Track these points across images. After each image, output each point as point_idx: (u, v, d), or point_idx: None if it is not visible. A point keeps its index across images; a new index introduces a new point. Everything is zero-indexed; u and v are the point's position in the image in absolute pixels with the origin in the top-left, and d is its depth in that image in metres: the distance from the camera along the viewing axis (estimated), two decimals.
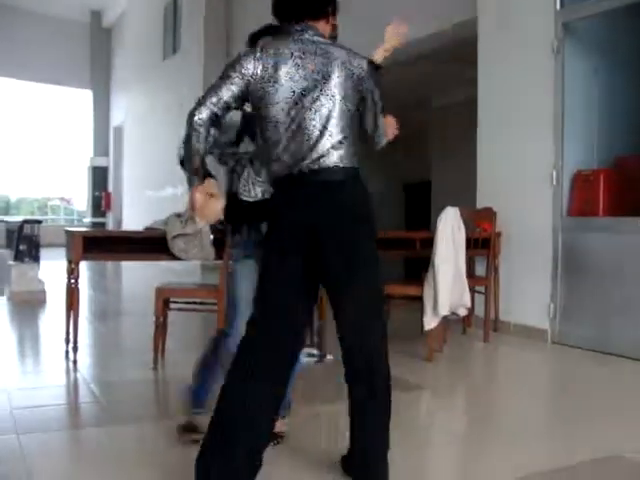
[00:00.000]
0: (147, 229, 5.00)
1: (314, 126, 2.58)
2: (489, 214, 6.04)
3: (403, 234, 6.99)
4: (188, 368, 3.43)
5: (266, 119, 2.62)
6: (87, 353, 5.38)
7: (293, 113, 2.58)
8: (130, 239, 5.17)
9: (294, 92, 2.57)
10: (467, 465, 3.16)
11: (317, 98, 2.58)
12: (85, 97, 24.91)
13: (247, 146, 3.14)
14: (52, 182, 30.13)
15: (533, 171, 6.11)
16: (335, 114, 2.60)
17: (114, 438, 3.32)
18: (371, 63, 2.77)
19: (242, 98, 2.64)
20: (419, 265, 5.85)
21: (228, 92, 2.59)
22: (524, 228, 6.18)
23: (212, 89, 2.60)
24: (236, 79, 2.60)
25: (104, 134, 24.36)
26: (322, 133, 2.58)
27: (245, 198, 3.11)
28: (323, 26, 2.78)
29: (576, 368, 5.22)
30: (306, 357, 5.02)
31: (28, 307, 7.89)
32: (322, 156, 2.57)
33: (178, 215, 4.61)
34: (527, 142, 6.18)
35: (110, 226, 22.85)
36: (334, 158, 2.59)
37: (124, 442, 3.25)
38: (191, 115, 2.56)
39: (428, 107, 11.87)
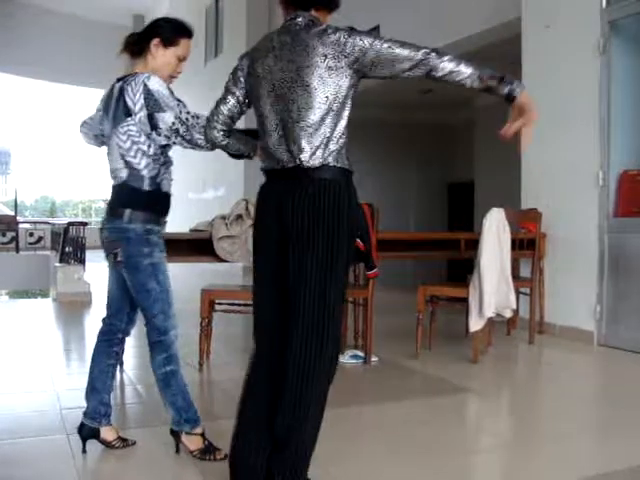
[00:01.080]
0: (192, 231, 5.04)
1: (293, 119, 2.47)
2: (534, 215, 5.98)
3: (448, 235, 6.96)
4: (233, 369, 3.45)
5: (257, 114, 2.61)
6: (133, 354, 5.43)
7: (276, 107, 2.51)
8: (175, 241, 5.20)
9: (274, 85, 2.51)
10: (514, 469, 3.13)
11: (293, 90, 2.46)
12: None
13: None
14: (96, 185, 30.53)
15: (579, 171, 6.03)
16: (312, 106, 2.44)
17: (159, 439, 3.35)
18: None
19: (245, 100, 2.67)
20: (462, 266, 5.82)
21: (226, 105, 2.68)
22: (569, 229, 6.10)
23: (215, 106, 2.72)
24: (232, 86, 2.68)
25: None
26: (301, 127, 2.45)
27: None
28: (324, 16, 2.63)
29: (623, 371, 5.14)
30: (351, 359, 5.02)
31: (74, 308, 8.01)
32: (300, 152, 2.45)
33: (223, 217, 4.64)
34: (572, 142, 6.10)
35: None
36: (313, 154, 2.45)
37: (169, 443, 3.26)
38: (208, 140, 2.81)
39: (473, 106, 11.80)
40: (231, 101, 2.66)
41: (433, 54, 2.42)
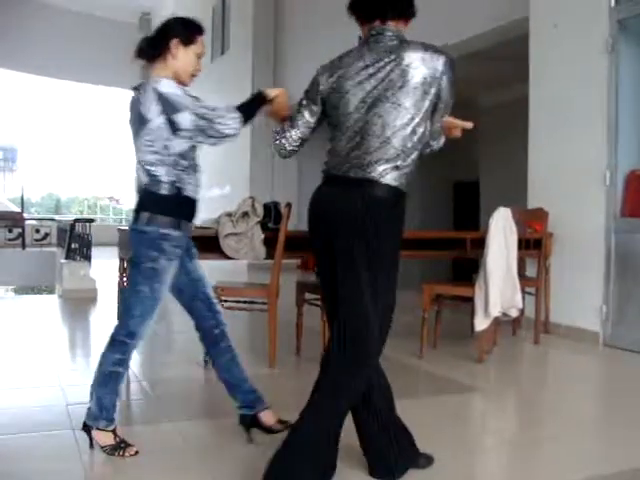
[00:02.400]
0: (198, 228, 5.04)
1: (374, 134, 2.60)
2: (540, 214, 5.97)
3: (453, 234, 6.94)
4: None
5: (334, 123, 2.71)
6: (138, 350, 5.38)
7: (360, 119, 2.61)
8: None
9: (363, 100, 2.60)
10: (518, 468, 3.12)
11: (382, 106, 2.58)
12: None
13: None
14: (101, 182, 30.64)
15: (586, 171, 6.02)
16: (396, 124, 2.58)
17: (164, 435, 3.36)
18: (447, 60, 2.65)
19: (321, 113, 2.79)
20: (467, 265, 5.81)
21: (303, 118, 2.81)
22: (576, 229, 6.09)
23: (291, 120, 2.86)
24: (310, 102, 2.80)
25: None
26: (380, 142, 2.59)
27: None
28: (403, 26, 2.74)
29: (628, 371, 5.13)
30: None
31: (79, 305, 8.02)
32: (370, 165, 2.60)
33: (229, 214, 4.64)
34: (580, 142, 6.09)
35: None
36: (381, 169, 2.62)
37: (174, 439, 3.27)
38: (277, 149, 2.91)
39: (478, 106, 11.79)
40: (306, 116, 2.81)
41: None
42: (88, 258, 9.19)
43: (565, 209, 6.13)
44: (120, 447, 3.03)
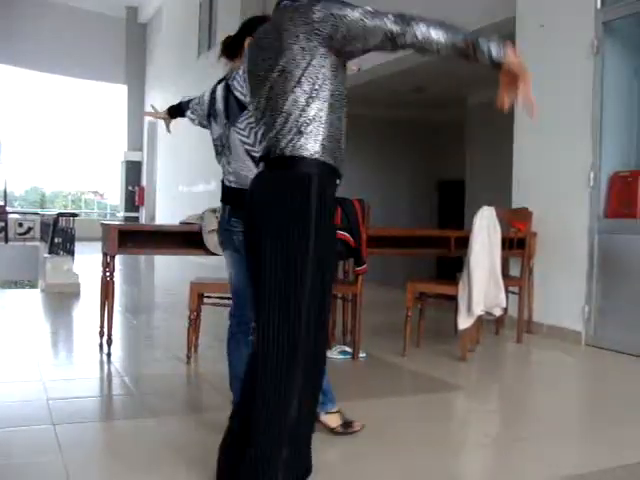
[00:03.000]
0: (182, 224, 5.03)
1: (272, 107, 2.37)
2: (525, 214, 5.99)
3: (438, 232, 6.96)
4: (220, 363, 3.45)
5: (253, 108, 2.54)
6: (121, 346, 5.42)
7: (263, 97, 2.41)
8: (166, 233, 5.21)
9: (259, 76, 2.42)
10: (500, 466, 3.14)
11: (271, 76, 2.35)
12: (120, 92, 25.14)
13: None
14: (86, 176, 30.47)
15: (570, 172, 6.04)
16: (286, 90, 2.32)
17: (146, 430, 3.34)
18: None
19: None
20: (451, 264, 5.83)
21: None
22: (560, 229, 6.11)
23: None
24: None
25: (138, 129, 24.55)
26: (279, 114, 2.35)
27: None
28: None
29: (610, 371, 5.16)
30: (339, 355, 5.02)
31: (62, 299, 7.98)
32: (278, 141, 2.35)
33: (213, 210, 4.62)
34: (564, 143, 6.11)
35: (143, 221, 23.03)
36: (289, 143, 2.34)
37: (156, 435, 3.26)
38: None
39: (464, 105, 11.82)
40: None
41: (406, 27, 2.24)
42: (71, 253, 9.15)
43: (549, 209, 6.15)
44: (349, 424, 3.23)
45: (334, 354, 5.04)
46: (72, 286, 8.51)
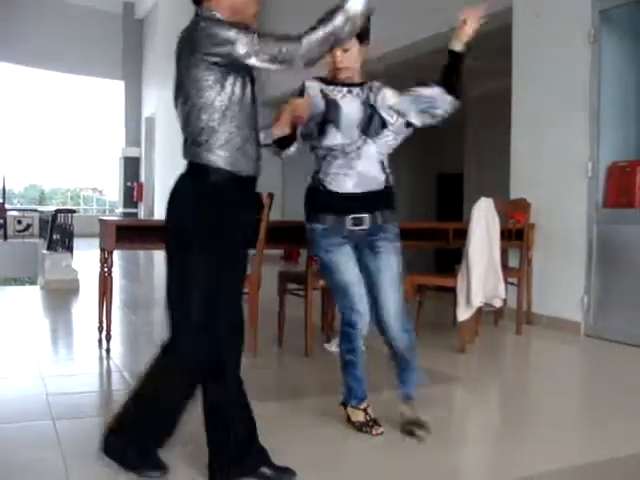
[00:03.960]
0: None
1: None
2: (523, 205, 5.98)
3: (436, 224, 6.96)
4: None
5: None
6: (120, 341, 5.42)
7: None
8: (163, 228, 5.19)
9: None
10: (499, 457, 3.14)
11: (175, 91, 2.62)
12: (117, 88, 25.11)
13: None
14: (84, 173, 30.39)
15: (568, 162, 6.04)
16: (178, 103, 2.61)
17: None
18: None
19: None
20: (450, 256, 5.82)
21: None
22: (558, 220, 6.11)
23: None
24: None
25: (136, 125, 24.52)
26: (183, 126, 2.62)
27: None
28: (215, 2, 2.71)
29: (609, 361, 5.16)
30: (338, 347, 5.01)
31: (61, 296, 7.98)
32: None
33: None
34: (562, 132, 6.10)
35: (142, 216, 23.00)
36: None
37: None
38: None
39: (463, 98, 11.78)
40: None
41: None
42: (70, 249, 9.12)
43: (547, 200, 6.14)
44: (368, 425, 3.22)
45: (333, 347, 5.03)
46: (71, 282, 8.50)
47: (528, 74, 6.52)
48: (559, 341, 5.74)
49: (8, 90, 25.93)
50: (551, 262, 6.22)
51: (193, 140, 2.53)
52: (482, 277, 5.01)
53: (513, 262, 6.30)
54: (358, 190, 3.15)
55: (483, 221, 5.11)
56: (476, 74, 10.51)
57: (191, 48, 2.50)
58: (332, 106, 3.15)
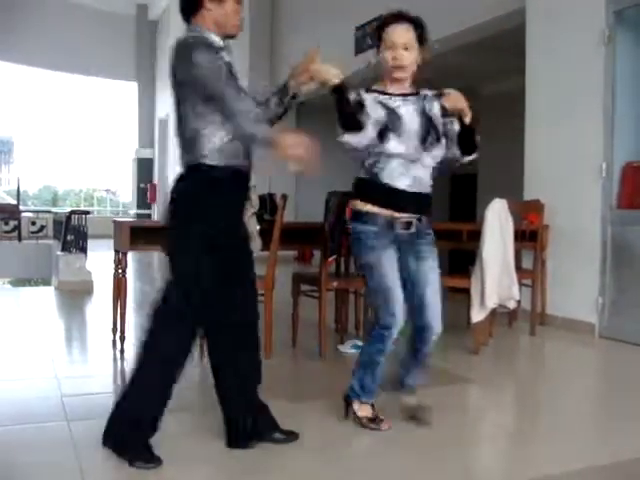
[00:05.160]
0: None
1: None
2: (537, 206, 5.96)
3: (450, 225, 6.93)
4: None
5: None
6: (133, 343, 5.43)
7: None
8: None
9: None
10: (514, 459, 3.12)
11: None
12: (131, 89, 25.19)
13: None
14: (98, 174, 30.53)
15: (582, 163, 6.01)
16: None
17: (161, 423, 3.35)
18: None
19: None
20: (464, 257, 5.80)
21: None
22: (572, 221, 6.08)
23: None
24: None
25: (149, 126, 24.57)
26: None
27: None
28: (200, 19, 3.00)
29: (624, 363, 5.13)
30: (352, 349, 5.02)
31: (75, 297, 8.01)
32: None
33: None
34: (576, 133, 6.08)
35: (155, 218, 23.05)
36: None
37: (169, 431, 3.26)
38: None
39: (477, 96, 11.75)
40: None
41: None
42: (84, 250, 9.16)
43: (561, 201, 6.12)
44: (376, 420, 3.26)
45: (347, 348, 5.04)
46: (85, 283, 8.53)
47: (541, 74, 6.50)
48: (573, 342, 5.71)
49: (23, 92, 26.07)
50: (565, 263, 6.19)
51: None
52: (496, 278, 5.00)
53: (527, 263, 6.28)
54: (412, 190, 3.15)
55: (497, 222, 5.09)
56: (490, 73, 10.52)
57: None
58: (392, 115, 3.10)
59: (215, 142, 2.82)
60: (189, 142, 2.89)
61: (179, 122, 2.94)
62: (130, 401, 2.92)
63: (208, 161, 2.83)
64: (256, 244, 4.55)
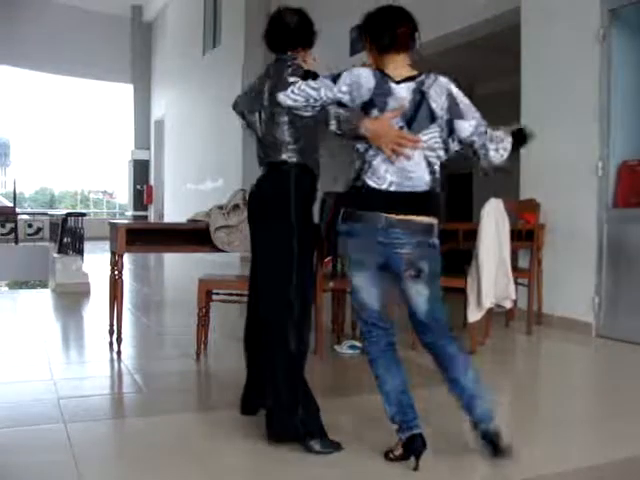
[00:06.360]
0: (190, 221, 5.03)
1: None
2: (532, 205, 5.97)
3: (446, 225, 6.91)
4: (230, 360, 3.46)
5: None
6: (130, 344, 5.43)
7: None
8: (173, 231, 5.21)
9: None
10: (511, 459, 3.12)
11: None
12: (126, 91, 25.19)
13: None
14: (94, 176, 30.54)
15: (578, 161, 6.02)
16: None
17: (157, 428, 3.35)
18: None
19: None
20: (460, 257, 5.80)
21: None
22: (568, 220, 6.09)
23: None
24: None
25: (145, 128, 24.58)
26: None
27: None
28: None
29: (621, 362, 5.13)
30: (349, 349, 5.02)
31: (72, 299, 8.00)
32: None
33: (220, 207, 4.63)
34: (572, 132, 6.09)
35: (152, 219, 23.06)
36: None
37: (167, 432, 3.27)
38: None
39: (474, 95, 11.75)
40: None
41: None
42: (80, 252, 9.16)
43: (557, 200, 6.12)
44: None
45: (344, 349, 5.04)
46: (82, 285, 8.53)
47: (537, 73, 6.50)
48: (570, 341, 5.72)
49: (18, 95, 26.07)
50: (561, 262, 6.20)
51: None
52: (492, 278, 5.00)
53: (523, 263, 6.29)
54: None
55: (493, 222, 5.09)
56: (485, 73, 10.52)
57: None
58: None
59: None
60: None
61: None
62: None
63: None
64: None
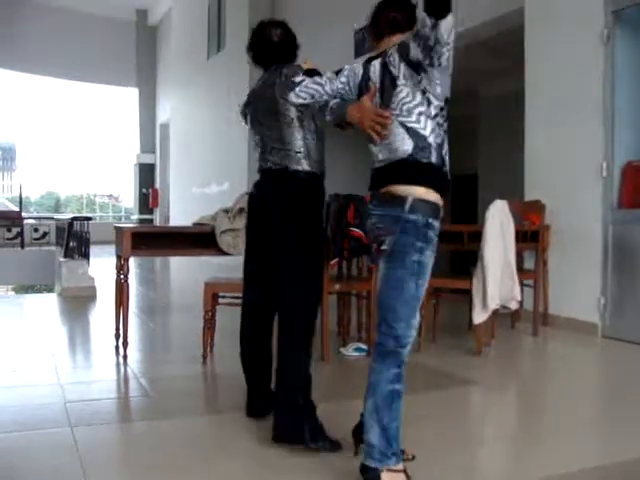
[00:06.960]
0: (195, 225, 5.04)
1: None
2: (537, 207, 5.96)
3: (451, 227, 6.93)
4: (236, 362, 3.46)
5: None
6: (137, 348, 5.44)
7: None
8: (179, 235, 5.22)
9: None
10: (517, 461, 3.12)
11: None
12: (131, 95, 25.25)
13: None
14: (100, 180, 30.59)
15: (582, 162, 6.01)
16: None
17: (163, 432, 3.36)
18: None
19: None
20: (466, 259, 5.81)
21: None
22: (573, 221, 6.08)
23: None
24: None
25: (150, 131, 24.63)
26: None
27: None
28: None
29: (626, 362, 5.12)
30: (354, 352, 5.02)
31: (78, 303, 8.02)
32: None
33: (226, 210, 4.64)
34: (576, 133, 6.08)
35: (157, 222, 23.09)
36: None
37: (173, 436, 3.28)
38: None
39: (477, 98, 11.75)
40: None
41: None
42: (86, 256, 9.18)
43: (562, 201, 6.12)
44: None
45: (349, 351, 5.04)
46: (88, 289, 8.55)
47: (541, 75, 6.50)
48: (576, 342, 5.71)
49: (24, 100, 26.14)
50: (567, 263, 6.19)
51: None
52: (498, 279, 5.00)
53: (528, 264, 6.28)
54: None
55: (498, 223, 5.10)
56: (489, 74, 10.51)
57: None
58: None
59: None
60: None
61: None
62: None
63: None
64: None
